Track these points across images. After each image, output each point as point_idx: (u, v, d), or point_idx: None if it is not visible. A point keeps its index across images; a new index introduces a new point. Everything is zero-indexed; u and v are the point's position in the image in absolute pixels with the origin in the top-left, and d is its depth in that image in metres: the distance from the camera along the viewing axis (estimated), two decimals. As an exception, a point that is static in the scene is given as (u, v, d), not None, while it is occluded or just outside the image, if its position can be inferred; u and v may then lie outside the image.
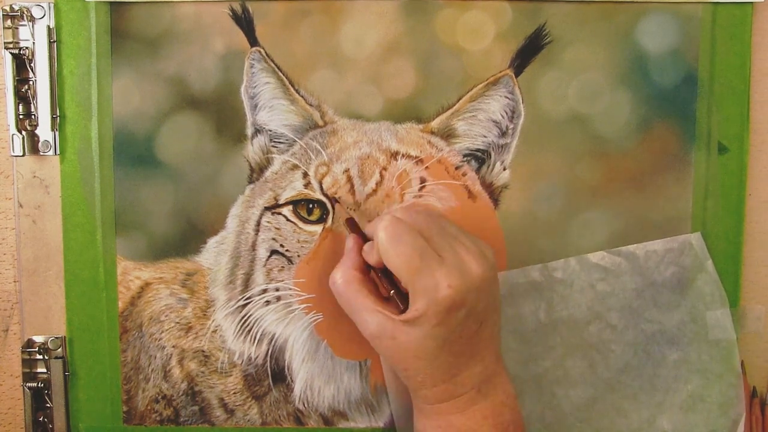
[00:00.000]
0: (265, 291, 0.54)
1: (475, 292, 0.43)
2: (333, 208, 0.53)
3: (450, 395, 0.45)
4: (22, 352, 0.55)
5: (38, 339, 0.55)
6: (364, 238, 0.48)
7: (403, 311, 0.43)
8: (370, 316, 0.44)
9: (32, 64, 0.52)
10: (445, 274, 0.42)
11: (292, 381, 0.55)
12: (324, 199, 0.53)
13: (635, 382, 0.54)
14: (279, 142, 0.53)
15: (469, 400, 0.46)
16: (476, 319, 0.44)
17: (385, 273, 0.45)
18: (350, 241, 0.48)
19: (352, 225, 0.49)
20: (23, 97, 0.52)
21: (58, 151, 0.53)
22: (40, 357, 0.55)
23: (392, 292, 0.44)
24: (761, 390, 0.55)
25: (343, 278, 0.46)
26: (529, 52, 0.52)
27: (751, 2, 0.51)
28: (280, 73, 0.52)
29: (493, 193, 0.53)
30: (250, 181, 0.53)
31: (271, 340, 0.54)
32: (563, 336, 0.54)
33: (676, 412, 0.54)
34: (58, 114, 0.53)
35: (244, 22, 0.52)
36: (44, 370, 0.55)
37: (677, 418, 0.54)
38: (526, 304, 0.54)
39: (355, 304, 0.45)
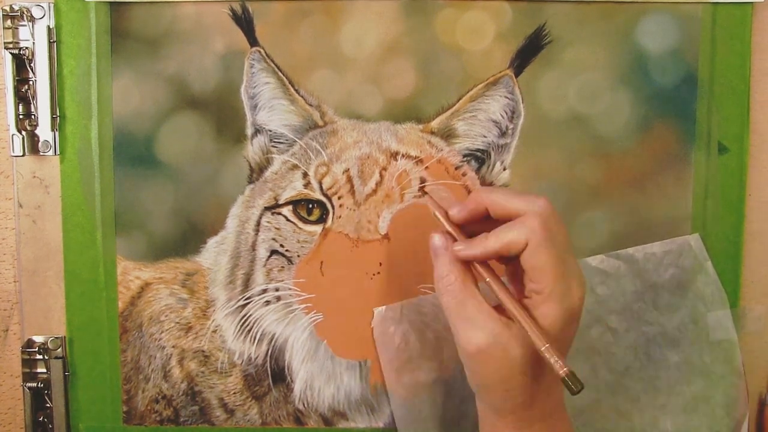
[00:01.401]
0: (265, 291, 0.54)
1: (582, 306, 0.41)
2: (333, 207, 0.53)
3: (541, 417, 0.42)
4: (22, 352, 0.55)
5: (38, 339, 0.55)
6: (457, 231, 0.44)
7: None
8: (487, 322, 0.40)
9: (32, 64, 0.52)
10: (577, 283, 0.40)
11: (292, 381, 0.55)
12: (324, 199, 0.53)
13: (637, 384, 0.54)
14: (279, 142, 0.53)
15: (551, 426, 0.43)
16: (575, 335, 0.42)
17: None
18: (437, 240, 0.44)
19: (435, 205, 0.45)
20: (23, 97, 0.52)
21: (58, 151, 0.53)
22: (40, 357, 0.55)
23: (544, 347, 0.39)
24: (761, 390, 0.55)
25: (458, 278, 0.41)
26: (529, 52, 0.52)
27: (751, 2, 0.51)
28: (280, 73, 0.52)
29: (493, 193, 0.53)
30: (250, 181, 0.53)
31: (271, 340, 0.54)
32: None
33: (679, 413, 0.54)
34: (58, 114, 0.53)
35: (244, 22, 0.52)
36: (44, 370, 0.55)
37: (680, 420, 0.54)
38: None
39: (468, 309, 0.41)
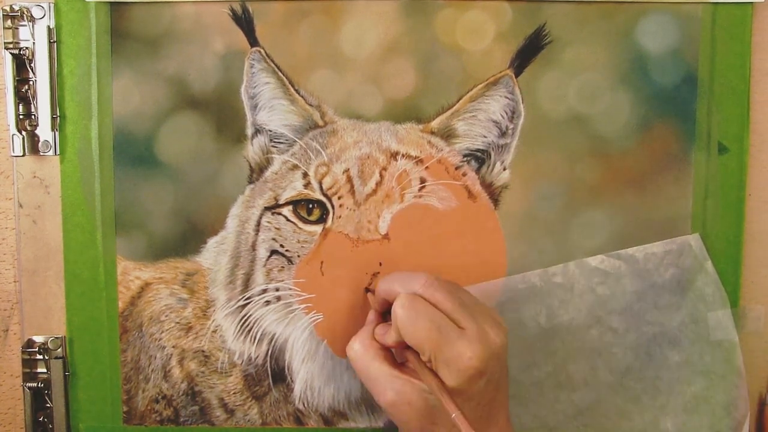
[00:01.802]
0: (265, 291, 0.54)
1: (495, 359, 0.44)
2: (333, 207, 0.53)
3: None
4: (22, 352, 0.55)
5: (38, 339, 0.55)
6: (380, 317, 0.50)
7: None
8: (388, 381, 0.45)
9: (32, 65, 0.52)
10: (467, 344, 0.43)
11: (292, 381, 0.55)
12: (324, 199, 0.53)
13: (638, 384, 0.54)
14: (279, 142, 0.53)
15: None
16: (494, 385, 0.44)
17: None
18: (371, 315, 0.50)
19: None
20: (23, 97, 0.52)
21: (58, 151, 0.53)
22: (40, 357, 0.55)
23: (454, 414, 0.41)
24: (761, 390, 0.55)
25: (362, 345, 0.47)
26: (529, 52, 0.52)
27: (751, 2, 0.51)
28: (280, 73, 0.52)
29: (493, 193, 0.53)
30: (250, 181, 0.53)
31: (271, 340, 0.54)
32: (564, 340, 0.54)
33: (680, 413, 0.54)
34: (58, 114, 0.53)
35: (244, 22, 0.52)
36: (44, 370, 0.55)
37: (681, 420, 0.54)
38: (527, 309, 0.54)
39: (372, 370, 0.46)
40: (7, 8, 0.52)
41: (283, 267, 0.54)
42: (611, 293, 0.54)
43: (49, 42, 0.52)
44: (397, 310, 0.44)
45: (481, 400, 0.44)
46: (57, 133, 0.53)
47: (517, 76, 0.52)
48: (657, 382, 0.54)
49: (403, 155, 0.53)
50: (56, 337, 0.55)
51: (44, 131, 0.53)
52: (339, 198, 0.53)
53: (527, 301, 0.54)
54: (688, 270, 0.53)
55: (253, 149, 0.53)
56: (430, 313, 0.44)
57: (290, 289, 0.54)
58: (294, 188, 0.53)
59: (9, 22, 0.52)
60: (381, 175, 0.53)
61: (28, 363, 0.55)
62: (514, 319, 0.54)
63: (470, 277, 0.53)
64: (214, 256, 0.54)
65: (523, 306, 0.54)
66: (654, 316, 0.54)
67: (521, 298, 0.54)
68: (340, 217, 0.53)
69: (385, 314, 0.49)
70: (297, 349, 0.54)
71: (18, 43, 0.52)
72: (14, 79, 0.52)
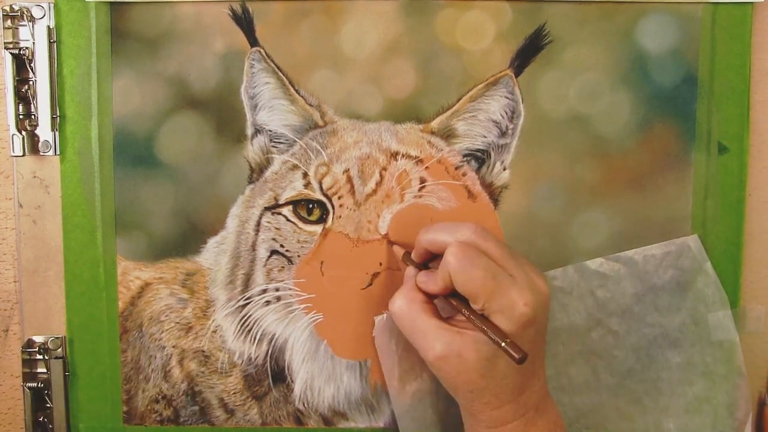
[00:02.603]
0: (265, 291, 0.54)
1: (543, 308, 0.44)
2: (333, 207, 0.53)
3: (514, 416, 0.45)
4: (22, 352, 0.55)
5: (38, 339, 0.55)
6: (420, 267, 0.48)
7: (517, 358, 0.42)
8: (438, 334, 0.44)
9: (32, 64, 0.52)
10: (519, 292, 0.43)
11: (292, 381, 0.55)
12: (324, 199, 0.53)
13: (639, 386, 0.54)
14: (279, 142, 0.53)
15: (530, 421, 0.45)
16: (541, 336, 0.45)
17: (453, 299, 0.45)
18: (410, 270, 0.49)
19: (410, 258, 0.50)
20: (23, 97, 0.52)
21: (58, 151, 0.53)
22: (40, 357, 0.55)
23: (504, 342, 0.41)
24: (761, 390, 0.55)
25: (407, 299, 0.46)
26: (529, 52, 0.52)
27: (751, 2, 0.51)
28: (280, 73, 0.52)
29: (493, 193, 0.53)
30: (250, 181, 0.53)
31: (271, 340, 0.54)
32: (565, 343, 0.54)
33: (682, 415, 0.54)
34: (58, 114, 0.53)
35: (244, 22, 0.52)
36: (44, 370, 0.55)
37: (683, 421, 0.54)
38: None
39: (419, 324, 0.45)
40: (7, 8, 0.52)
41: (283, 267, 0.54)
42: (611, 296, 0.54)
43: (49, 42, 0.52)
44: (451, 257, 0.43)
45: (530, 350, 0.43)
46: (57, 133, 0.53)
47: (517, 76, 0.52)
48: (658, 384, 0.54)
49: (403, 155, 0.53)
50: (56, 337, 0.55)
51: (44, 131, 0.53)
52: (339, 198, 0.53)
53: None
54: (687, 271, 0.53)
55: (253, 149, 0.53)
56: (484, 261, 0.43)
57: (290, 289, 0.53)
58: (294, 188, 0.53)
59: (9, 22, 0.52)
60: (381, 175, 0.53)
61: (28, 363, 0.55)
62: None
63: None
64: (214, 256, 0.54)
65: None
66: (654, 318, 0.54)
67: None
68: (340, 217, 0.53)
69: (424, 265, 0.49)
70: (297, 349, 0.54)
71: (18, 43, 0.52)
72: (14, 79, 0.52)
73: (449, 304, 0.45)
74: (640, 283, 0.53)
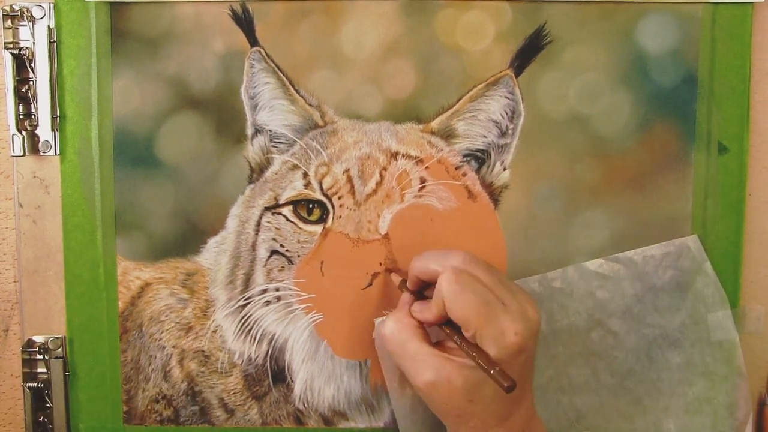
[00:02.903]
0: (265, 291, 0.54)
1: (533, 336, 0.44)
2: (333, 207, 0.53)
3: None
4: (23, 352, 0.55)
5: (38, 339, 0.55)
6: (415, 296, 0.48)
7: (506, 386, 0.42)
8: (427, 360, 0.44)
9: (32, 64, 0.52)
10: (511, 320, 0.43)
11: (292, 381, 0.55)
12: (324, 199, 0.53)
13: (639, 387, 0.54)
14: (279, 143, 0.53)
15: None
16: (530, 363, 0.45)
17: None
18: (406, 296, 0.49)
19: (405, 286, 0.49)
20: (23, 97, 0.52)
21: (58, 151, 0.53)
22: (40, 357, 0.55)
23: (494, 370, 0.42)
24: (761, 390, 0.55)
25: (399, 323, 0.46)
26: (529, 52, 0.52)
27: (751, 2, 0.51)
28: (280, 74, 0.52)
29: (493, 193, 0.53)
30: (250, 181, 0.53)
31: (271, 340, 0.54)
32: (565, 344, 0.54)
33: (682, 415, 0.54)
34: (58, 114, 0.53)
35: (244, 22, 0.52)
36: (44, 370, 0.55)
37: (683, 422, 0.54)
38: None
39: (409, 348, 0.45)
40: (7, 8, 0.52)
41: (283, 267, 0.54)
42: (611, 296, 0.54)
43: (49, 42, 0.52)
44: (444, 283, 0.44)
45: (520, 377, 0.44)
46: (57, 133, 0.53)
47: (517, 76, 0.52)
48: (658, 384, 0.54)
49: (403, 155, 0.53)
50: (56, 337, 0.55)
51: (44, 131, 0.53)
52: (339, 198, 0.53)
53: None
54: (687, 272, 0.53)
55: (253, 149, 0.53)
56: (477, 288, 0.44)
57: (290, 289, 0.54)
58: (294, 188, 0.53)
59: (9, 22, 0.52)
60: (381, 175, 0.53)
61: (28, 363, 0.55)
62: None
63: (470, 277, 0.53)
64: (214, 256, 0.54)
65: None
66: (654, 319, 0.54)
67: None
68: (340, 217, 0.53)
69: (417, 294, 0.49)
70: (297, 349, 0.54)
71: (18, 43, 0.52)
72: (14, 79, 0.52)
73: (441, 330, 0.46)
74: (639, 283, 0.53)
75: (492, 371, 0.42)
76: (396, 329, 0.46)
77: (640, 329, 0.54)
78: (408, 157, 0.53)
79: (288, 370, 0.54)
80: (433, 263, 0.46)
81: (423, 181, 0.53)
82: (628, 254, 0.53)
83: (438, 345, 0.46)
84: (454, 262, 0.45)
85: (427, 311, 0.46)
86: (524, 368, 0.45)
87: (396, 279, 0.51)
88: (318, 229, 0.53)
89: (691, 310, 0.54)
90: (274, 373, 0.55)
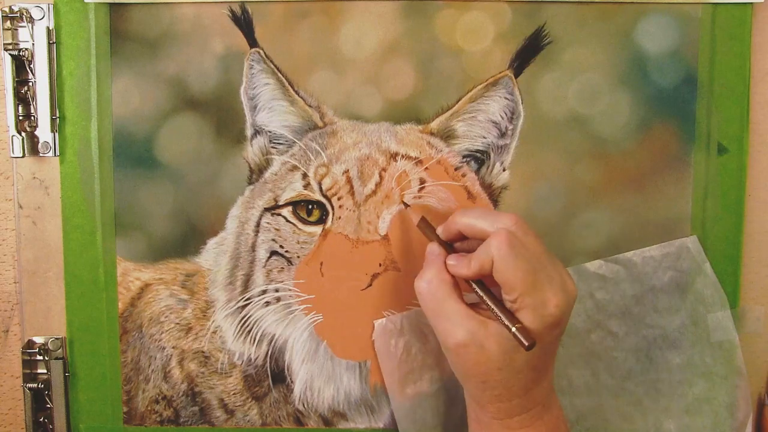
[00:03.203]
0: (264, 292, 0.54)
1: (569, 312, 0.44)
2: (333, 208, 0.53)
3: (522, 409, 0.45)
4: (23, 352, 0.55)
5: (38, 340, 0.55)
6: (445, 247, 0.47)
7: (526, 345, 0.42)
8: (462, 320, 0.43)
9: (32, 66, 0.52)
10: (553, 292, 0.43)
11: (291, 382, 0.55)
12: (323, 200, 0.53)
13: (639, 387, 0.54)
14: (278, 143, 0.53)
15: (536, 415, 0.45)
16: (560, 337, 0.45)
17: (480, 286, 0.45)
18: (435, 248, 0.47)
19: (426, 227, 0.48)
20: (23, 98, 0.52)
21: (57, 153, 0.53)
22: (41, 358, 0.55)
23: (515, 327, 0.42)
24: (760, 390, 0.55)
25: (437, 279, 0.45)
26: (528, 52, 0.52)
27: (751, 3, 0.51)
28: (280, 74, 0.52)
29: (493, 194, 0.53)
30: (250, 182, 0.53)
31: (271, 341, 0.54)
32: (565, 345, 0.54)
33: (682, 415, 0.54)
34: (57, 115, 0.53)
35: (244, 23, 0.52)
36: (44, 370, 0.55)
37: (683, 422, 0.54)
38: None
39: (446, 307, 0.44)
40: (7, 9, 0.52)
41: (282, 268, 0.54)
42: (610, 297, 0.54)
43: (49, 43, 0.52)
44: (497, 244, 0.43)
45: (549, 349, 0.44)
46: (56, 134, 0.53)
47: (516, 77, 0.52)
48: (658, 385, 0.54)
49: (402, 156, 0.53)
50: (56, 338, 0.55)
51: (44, 132, 0.53)
52: (339, 199, 0.53)
53: None
54: (686, 272, 0.53)
55: (252, 150, 0.53)
56: (527, 254, 0.43)
57: (290, 290, 0.54)
58: (293, 189, 0.53)
59: (8, 23, 0.52)
60: (380, 176, 0.53)
61: (29, 364, 0.55)
62: None
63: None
64: (214, 257, 0.54)
65: None
66: (654, 319, 0.54)
67: None
68: (339, 218, 0.53)
69: (447, 245, 0.48)
70: (297, 350, 0.54)
71: (17, 44, 0.52)
72: (14, 80, 0.52)
73: (467, 284, 0.45)
74: (639, 284, 0.53)
75: (513, 328, 0.41)
76: (435, 286, 0.45)
77: (640, 330, 0.54)
78: (407, 157, 0.53)
79: (288, 370, 0.55)
80: (483, 221, 0.45)
81: (422, 181, 0.53)
82: (628, 255, 0.53)
83: (474, 306, 0.45)
84: (507, 224, 0.44)
85: (466, 267, 0.44)
86: (556, 340, 0.45)
87: (415, 216, 0.50)
88: (317, 230, 0.53)
89: (691, 311, 0.54)
90: (273, 373, 0.55)
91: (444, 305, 0.44)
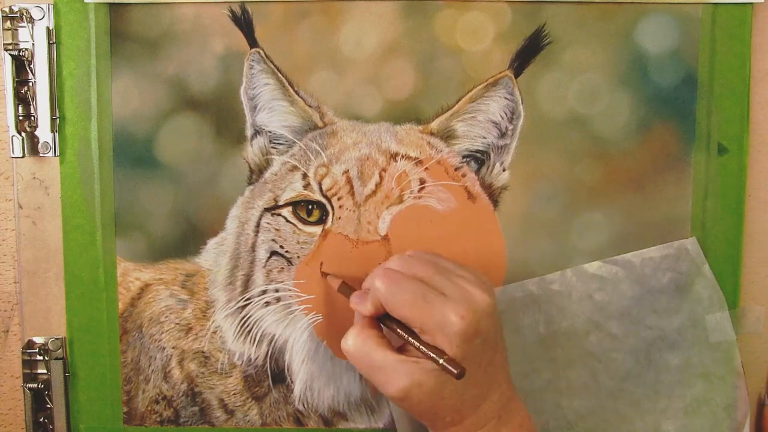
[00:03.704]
0: (264, 292, 0.54)
1: (486, 318, 0.43)
2: (333, 209, 0.53)
3: (475, 427, 0.45)
4: (23, 353, 0.55)
5: (38, 340, 0.55)
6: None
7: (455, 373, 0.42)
8: (397, 367, 0.43)
9: (32, 66, 0.52)
10: (452, 307, 0.42)
11: (291, 382, 0.55)
12: (323, 201, 0.53)
13: (638, 389, 0.54)
14: (278, 144, 0.53)
15: (492, 429, 0.45)
16: (491, 346, 0.45)
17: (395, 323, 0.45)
18: (357, 315, 0.48)
19: (347, 289, 0.49)
20: (23, 98, 0.52)
21: (57, 153, 0.53)
22: (41, 358, 0.55)
23: (443, 360, 0.42)
24: (760, 391, 0.55)
25: (362, 335, 0.45)
26: (528, 52, 0.52)
27: (751, 3, 0.51)
28: (280, 75, 0.52)
29: (493, 194, 0.53)
30: (250, 183, 0.53)
31: (271, 341, 0.54)
32: (564, 347, 0.54)
33: (681, 416, 0.54)
34: (57, 115, 0.53)
35: (244, 23, 0.52)
36: (44, 371, 0.55)
37: (682, 423, 0.54)
38: (525, 317, 0.54)
39: (376, 359, 0.44)
40: (7, 9, 0.52)
41: (282, 268, 0.54)
42: (609, 299, 0.54)
43: (49, 43, 0.52)
44: (377, 284, 0.44)
45: (480, 362, 0.44)
46: (56, 135, 0.53)
47: (516, 77, 0.52)
48: (657, 386, 0.54)
49: (402, 156, 0.53)
50: (56, 338, 0.55)
51: (44, 132, 0.53)
52: (339, 199, 0.53)
53: (525, 310, 0.54)
54: (685, 274, 0.53)
55: (252, 150, 0.53)
56: (410, 283, 0.44)
57: (290, 290, 0.54)
58: (293, 189, 0.53)
59: (8, 24, 0.52)
60: (380, 176, 0.53)
61: (29, 364, 0.55)
62: (513, 328, 0.54)
63: (470, 278, 0.53)
64: (214, 257, 0.54)
65: (521, 314, 0.54)
66: (653, 321, 0.54)
67: (519, 306, 0.54)
68: (339, 218, 0.53)
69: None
70: (297, 350, 0.54)
71: (17, 44, 0.52)
72: (14, 80, 0.52)
73: (389, 327, 0.45)
74: (638, 286, 0.53)
75: (441, 360, 0.42)
76: (360, 341, 0.45)
77: (639, 331, 0.54)
78: (407, 158, 0.53)
79: (288, 370, 0.55)
80: (371, 275, 0.46)
81: (422, 182, 0.53)
82: (627, 256, 0.53)
83: (401, 350, 0.45)
84: (389, 265, 0.45)
85: (363, 305, 0.45)
86: (485, 351, 0.44)
87: (334, 282, 0.51)
88: (317, 230, 0.53)
89: (690, 312, 0.54)
90: (273, 374, 0.55)
91: (374, 357, 0.44)
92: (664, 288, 0.54)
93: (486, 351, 0.44)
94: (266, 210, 0.53)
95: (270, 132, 0.53)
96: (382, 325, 0.46)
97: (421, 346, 0.43)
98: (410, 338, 0.43)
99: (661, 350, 0.54)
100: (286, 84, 0.53)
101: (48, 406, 0.55)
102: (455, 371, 0.41)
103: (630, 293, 0.54)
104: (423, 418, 0.46)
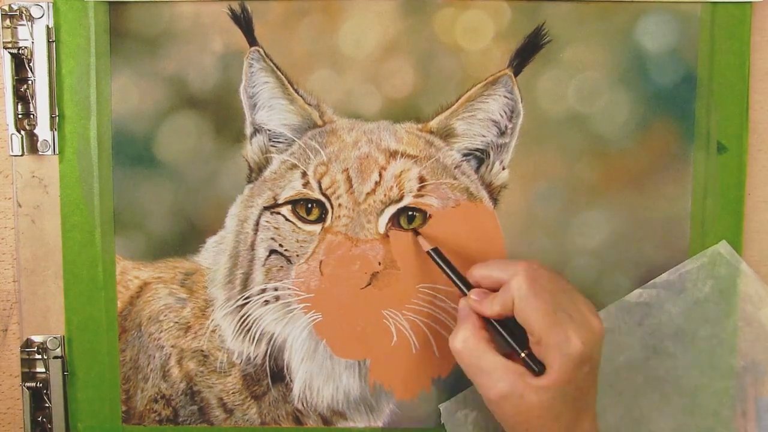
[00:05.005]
0: (263, 291, 0.54)
1: (598, 347, 0.45)
2: (332, 207, 0.53)
3: None
4: (21, 351, 0.55)
5: (37, 339, 0.55)
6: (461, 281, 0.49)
7: (536, 370, 0.44)
8: (502, 374, 0.44)
9: (31, 64, 0.52)
10: (575, 329, 0.43)
11: (291, 381, 0.55)
12: (323, 199, 0.53)
13: (712, 399, 0.53)
14: (278, 142, 0.53)
15: None
16: (593, 375, 0.45)
17: (504, 325, 0.47)
18: (466, 305, 0.48)
19: (440, 257, 0.50)
20: (22, 96, 0.52)
21: (56, 151, 0.53)
22: (39, 357, 0.55)
23: (524, 353, 0.45)
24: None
25: (473, 337, 0.46)
26: (528, 51, 0.52)
27: (750, 2, 0.51)
28: (279, 73, 0.52)
29: (492, 193, 0.53)
30: (249, 181, 0.53)
31: (270, 340, 0.54)
32: (628, 379, 0.54)
33: (765, 415, 0.54)
34: (56, 113, 0.53)
35: (243, 21, 0.52)
36: (43, 369, 0.55)
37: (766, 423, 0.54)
38: None
39: (484, 362, 0.45)
40: (6, 8, 0.52)
41: (282, 266, 0.53)
42: (659, 321, 0.53)
43: (48, 41, 0.52)
44: (517, 286, 0.45)
45: (582, 386, 0.44)
46: (56, 133, 0.53)
47: (516, 76, 0.52)
48: (730, 392, 0.53)
49: (402, 155, 0.53)
50: (55, 337, 0.55)
51: (43, 130, 0.53)
52: (338, 197, 0.53)
53: None
54: (725, 277, 0.53)
55: (252, 149, 0.53)
56: (547, 295, 0.44)
57: (289, 288, 0.53)
58: (293, 188, 0.53)
59: (8, 22, 0.52)
60: (380, 175, 0.53)
61: (27, 363, 0.55)
62: None
63: (469, 277, 0.53)
64: (213, 255, 0.54)
65: None
66: (707, 330, 0.53)
67: None
68: (339, 216, 0.53)
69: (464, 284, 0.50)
70: (296, 349, 0.54)
71: (17, 42, 0.52)
72: (13, 78, 0.52)
73: (492, 327, 0.47)
74: (683, 301, 0.53)
75: (522, 354, 0.44)
76: (472, 344, 0.46)
77: (696, 344, 0.53)
78: (407, 156, 0.53)
79: (287, 369, 0.54)
80: (498, 272, 0.47)
81: (422, 180, 0.53)
82: (663, 276, 0.53)
83: (511, 356, 0.46)
84: (521, 270, 0.46)
85: (488, 307, 0.46)
86: (588, 379, 0.45)
87: (425, 244, 0.51)
88: (317, 228, 0.53)
89: (741, 312, 0.53)
90: (273, 372, 0.54)
91: (482, 361, 0.45)
92: (708, 296, 0.53)
93: (588, 379, 0.45)
94: (265, 208, 0.53)
95: (269, 130, 0.53)
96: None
97: (507, 336, 0.46)
98: (504, 331, 0.46)
99: (722, 357, 0.53)
100: (286, 82, 0.53)
101: (46, 405, 0.55)
102: (536, 368, 0.44)
103: (677, 310, 0.53)
104: (514, 428, 0.46)
